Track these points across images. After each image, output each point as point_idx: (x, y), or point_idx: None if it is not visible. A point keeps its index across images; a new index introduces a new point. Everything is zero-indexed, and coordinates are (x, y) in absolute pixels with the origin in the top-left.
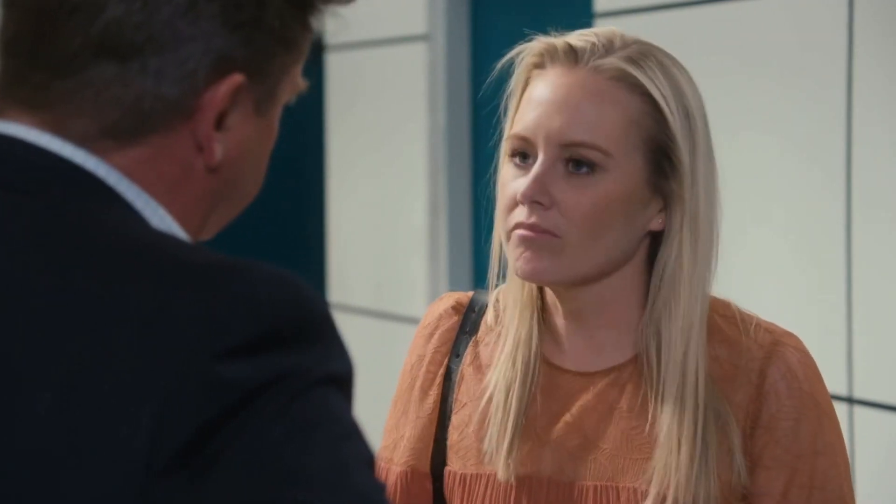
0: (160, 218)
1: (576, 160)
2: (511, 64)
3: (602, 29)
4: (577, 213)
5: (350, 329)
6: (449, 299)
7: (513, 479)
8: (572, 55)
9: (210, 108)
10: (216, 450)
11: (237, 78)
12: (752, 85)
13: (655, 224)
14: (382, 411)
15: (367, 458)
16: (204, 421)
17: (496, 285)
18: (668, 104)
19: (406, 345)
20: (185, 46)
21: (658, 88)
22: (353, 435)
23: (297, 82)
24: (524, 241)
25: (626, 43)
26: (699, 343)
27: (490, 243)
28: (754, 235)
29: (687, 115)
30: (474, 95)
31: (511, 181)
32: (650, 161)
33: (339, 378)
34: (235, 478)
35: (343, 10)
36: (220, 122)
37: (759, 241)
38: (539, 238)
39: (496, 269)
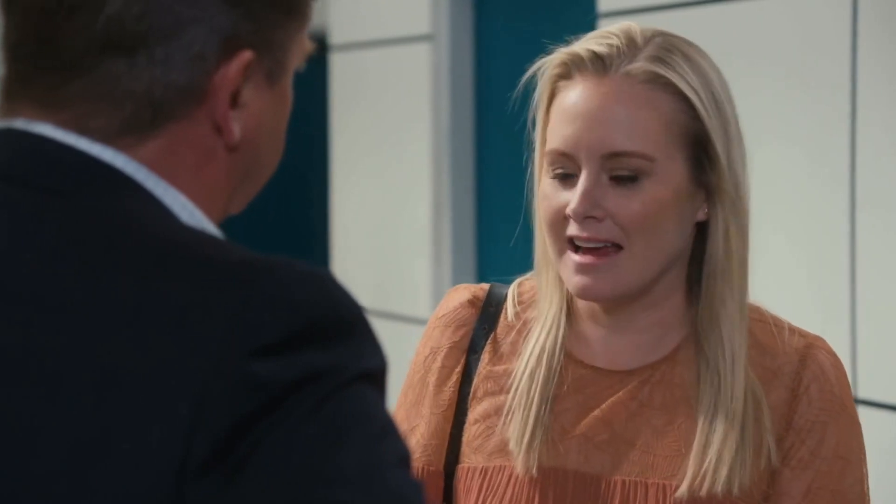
0: (189, 212)
1: (620, 170)
2: (532, 77)
3: (619, 27)
4: (631, 222)
5: None
6: (465, 291)
7: (534, 471)
8: (599, 63)
9: (223, 89)
10: (249, 449)
11: (246, 54)
12: (756, 86)
13: (701, 215)
14: (389, 409)
15: (402, 456)
16: (238, 419)
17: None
18: (700, 99)
19: (410, 344)
20: (188, 30)
21: (689, 84)
22: (388, 433)
23: (304, 47)
24: (582, 268)
25: (648, 38)
26: (745, 334)
27: (492, 244)
28: (758, 237)
29: (717, 105)
30: (478, 95)
31: (554, 195)
32: (690, 157)
33: (374, 374)
34: (269, 477)
35: (347, 10)
36: (234, 101)
37: (763, 243)
38: (601, 262)
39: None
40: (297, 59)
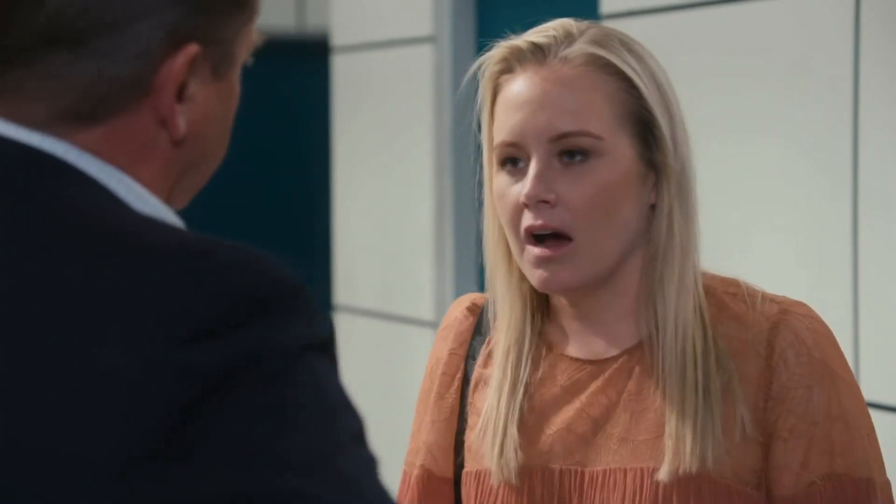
0: (141, 198)
1: (568, 151)
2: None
3: (554, 22)
4: (582, 204)
5: (356, 331)
6: (465, 300)
7: (513, 478)
8: (539, 52)
9: (169, 83)
10: (194, 436)
11: (192, 48)
12: (759, 87)
13: (653, 197)
14: (390, 412)
15: (355, 432)
16: (178, 407)
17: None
18: (640, 78)
19: (413, 346)
20: (134, 24)
21: (628, 64)
22: (339, 408)
23: (252, 39)
24: (540, 260)
25: (584, 29)
26: (695, 313)
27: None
28: (760, 238)
29: (658, 86)
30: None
31: (507, 189)
32: (637, 136)
33: (322, 342)
34: (216, 464)
35: (350, 12)
36: (180, 94)
37: (766, 244)
38: (553, 254)
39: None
40: (244, 51)
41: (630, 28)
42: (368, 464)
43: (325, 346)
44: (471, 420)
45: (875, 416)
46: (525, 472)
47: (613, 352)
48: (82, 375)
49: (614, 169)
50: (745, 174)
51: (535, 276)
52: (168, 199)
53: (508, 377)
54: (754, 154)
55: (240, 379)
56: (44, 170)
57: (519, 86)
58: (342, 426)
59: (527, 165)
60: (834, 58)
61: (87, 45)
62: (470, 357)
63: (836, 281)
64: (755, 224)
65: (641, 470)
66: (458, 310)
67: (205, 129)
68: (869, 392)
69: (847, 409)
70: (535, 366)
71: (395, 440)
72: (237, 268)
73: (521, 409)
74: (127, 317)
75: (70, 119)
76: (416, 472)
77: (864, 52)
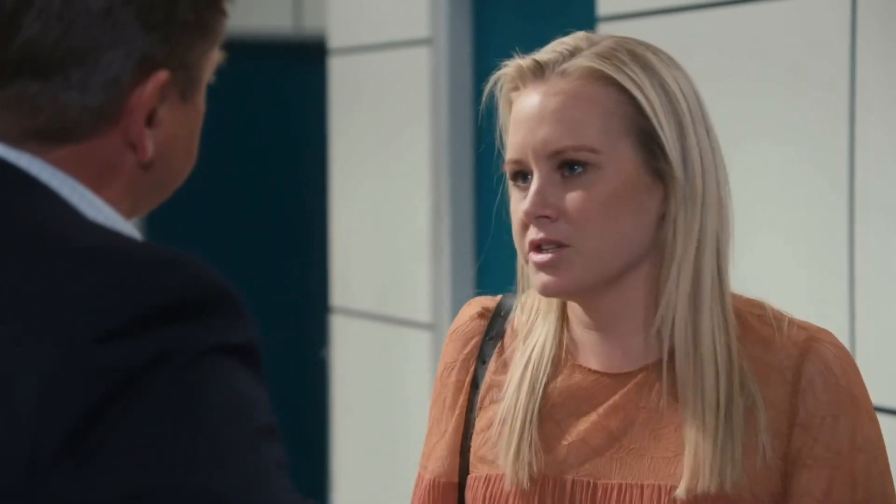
0: (80, 195)
1: (568, 164)
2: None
3: (572, 36)
4: (581, 215)
5: (353, 333)
6: (476, 305)
7: (526, 482)
8: (539, 70)
9: (139, 109)
10: (102, 436)
11: (162, 75)
12: (756, 89)
13: (662, 208)
14: (386, 413)
15: (262, 427)
16: (87, 407)
17: (524, 289)
18: (641, 90)
19: (409, 348)
20: (105, 54)
21: (626, 74)
22: (245, 406)
23: (215, 60)
24: (539, 266)
25: (595, 42)
26: (716, 330)
27: (497, 250)
28: (757, 240)
29: (667, 96)
30: (477, 99)
31: (517, 205)
32: (641, 147)
33: (237, 348)
34: (121, 464)
35: (346, 14)
36: (150, 120)
37: (762, 246)
38: (552, 259)
39: (522, 282)
40: (209, 73)
41: (627, 30)
42: (272, 460)
43: (242, 354)
44: (479, 425)
45: None
46: (538, 480)
47: (633, 366)
48: (1, 371)
49: (614, 180)
50: (742, 176)
51: (536, 280)
52: (130, 212)
53: (527, 380)
54: (751, 156)
55: (148, 378)
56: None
57: (522, 103)
58: (247, 424)
59: (532, 180)
60: (831, 60)
61: (59, 74)
62: (480, 361)
63: (832, 282)
64: (752, 226)
65: (659, 487)
66: (467, 314)
67: (171, 149)
68: None
69: (871, 440)
70: (553, 373)
71: (393, 441)
72: (155, 269)
73: (541, 412)
74: (47, 315)
75: (38, 138)
76: (428, 476)
77: (860, 54)
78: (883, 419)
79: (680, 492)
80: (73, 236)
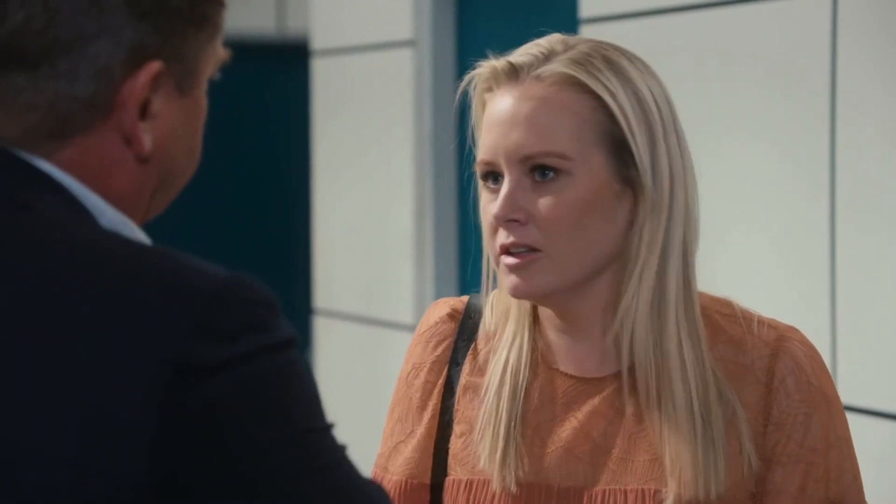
0: (93, 204)
1: (540, 169)
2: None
3: (547, 38)
4: (551, 221)
5: (336, 335)
6: (444, 306)
7: (513, 487)
8: (513, 73)
9: (132, 100)
10: (186, 471)
11: (154, 65)
12: (737, 89)
13: (632, 216)
14: (369, 415)
15: (328, 423)
16: (170, 442)
17: (489, 290)
18: (614, 98)
19: (393, 350)
20: (93, 43)
21: (600, 82)
22: (315, 402)
23: (218, 55)
24: (509, 269)
25: (570, 46)
26: (683, 337)
27: (479, 251)
28: (738, 239)
29: (641, 105)
30: (460, 101)
31: (486, 206)
32: (612, 154)
33: (291, 340)
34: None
35: (329, 16)
36: (144, 112)
37: (744, 245)
38: (522, 262)
39: (488, 283)
40: (210, 67)
41: (609, 32)
42: (340, 450)
43: (294, 342)
44: (457, 428)
45: (853, 420)
46: (523, 488)
47: (609, 371)
48: (79, 407)
49: (585, 187)
50: (723, 175)
51: (506, 283)
52: (142, 215)
53: (508, 384)
54: (733, 155)
55: (225, 409)
56: (24, 178)
57: (496, 104)
58: (319, 419)
59: (503, 183)
60: (812, 61)
61: (47, 65)
62: (454, 363)
63: (813, 281)
64: (734, 224)
65: (642, 491)
66: (436, 315)
67: (171, 145)
68: (846, 396)
69: (841, 436)
70: (532, 376)
71: (376, 443)
72: (225, 294)
73: (524, 417)
74: (121, 348)
75: (37, 139)
76: (395, 478)
77: (841, 54)
78: (862, 419)
79: (660, 498)
80: (114, 252)
